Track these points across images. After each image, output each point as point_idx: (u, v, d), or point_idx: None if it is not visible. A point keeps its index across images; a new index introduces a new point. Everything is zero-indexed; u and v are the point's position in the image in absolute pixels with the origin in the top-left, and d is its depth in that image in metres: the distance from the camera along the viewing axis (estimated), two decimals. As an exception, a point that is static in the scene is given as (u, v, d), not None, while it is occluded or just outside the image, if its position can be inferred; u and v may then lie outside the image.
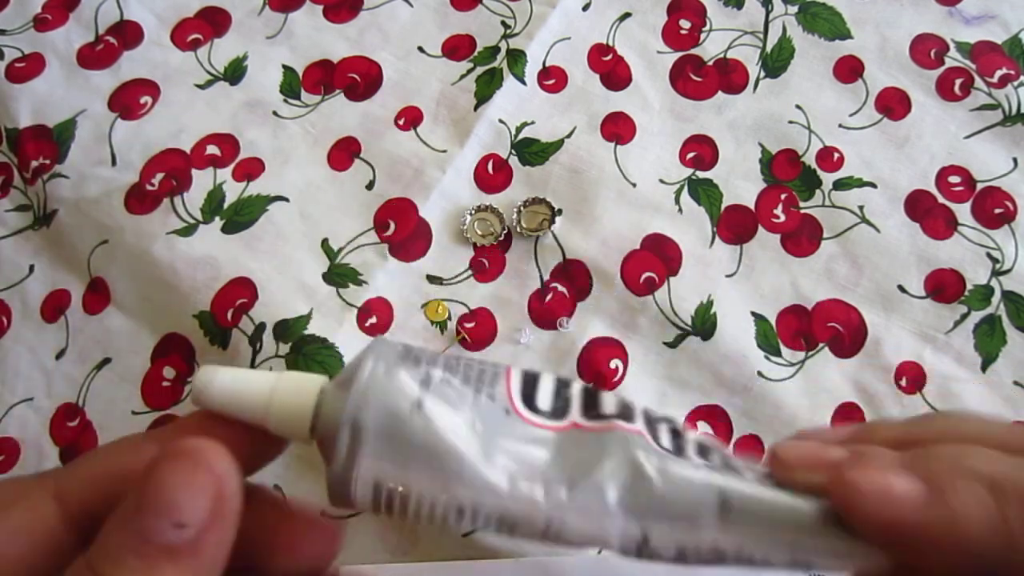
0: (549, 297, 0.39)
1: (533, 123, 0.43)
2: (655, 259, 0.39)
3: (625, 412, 0.20)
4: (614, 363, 0.37)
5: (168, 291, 0.39)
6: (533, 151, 0.42)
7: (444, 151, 0.42)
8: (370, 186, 0.42)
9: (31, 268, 0.41)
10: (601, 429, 0.20)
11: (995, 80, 0.43)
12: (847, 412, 0.37)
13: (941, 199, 0.41)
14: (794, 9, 0.46)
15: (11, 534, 0.19)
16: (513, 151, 0.42)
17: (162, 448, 0.17)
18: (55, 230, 0.41)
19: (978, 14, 0.45)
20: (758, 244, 0.40)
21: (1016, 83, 0.43)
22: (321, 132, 0.43)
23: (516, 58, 0.44)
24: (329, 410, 0.19)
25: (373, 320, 0.39)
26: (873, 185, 0.41)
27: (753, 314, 0.39)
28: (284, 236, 0.40)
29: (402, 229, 0.40)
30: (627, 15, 0.46)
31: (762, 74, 0.44)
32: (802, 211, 0.41)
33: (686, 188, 0.41)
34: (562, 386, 0.21)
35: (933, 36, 0.45)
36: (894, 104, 0.43)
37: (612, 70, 0.44)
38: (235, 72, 0.45)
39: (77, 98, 0.44)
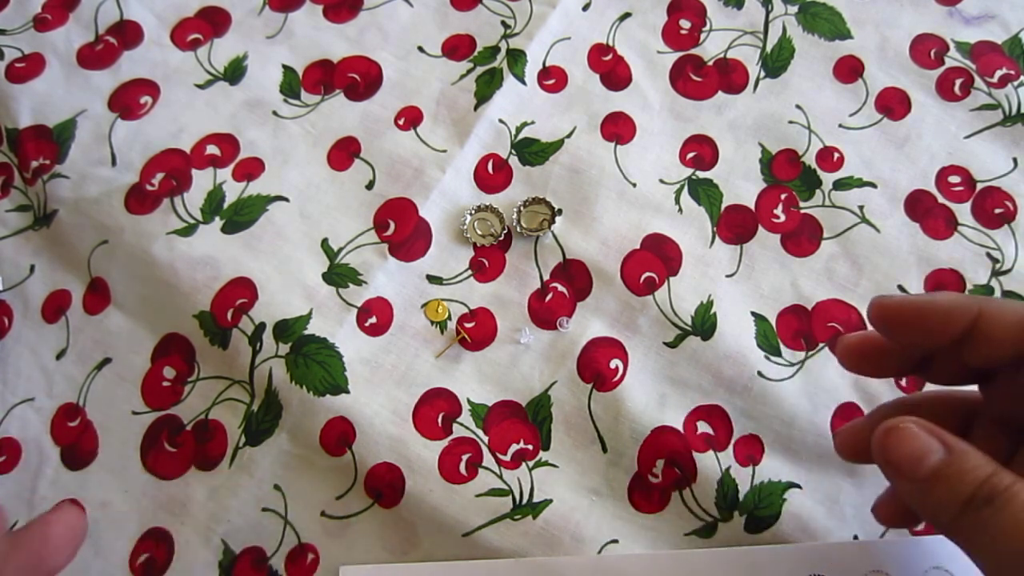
0: (549, 297, 0.39)
1: (533, 123, 0.43)
2: (655, 259, 0.39)
3: None
4: (614, 363, 0.37)
5: (168, 291, 0.39)
6: (533, 151, 0.42)
7: (444, 151, 0.42)
8: (370, 186, 0.42)
9: (32, 268, 0.41)
10: None
11: (995, 80, 0.43)
12: (847, 412, 0.37)
13: (941, 199, 0.41)
14: (794, 9, 0.46)
15: None
16: (513, 151, 0.42)
17: None
18: (55, 230, 0.41)
19: (978, 14, 0.45)
20: (758, 244, 0.40)
21: (1016, 83, 0.43)
22: (321, 132, 0.43)
23: (516, 58, 0.44)
24: None
25: (373, 320, 0.39)
26: (873, 185, 0.41)
27: (753, 314, 0.39)
28: (284, 236, 0.40)
29: (402, 229, 0.40)
30: (627, 15, 0.46)
31: (762, 74, 0.44)
32: (802, 211, 0.41)
33: (686, 188, 0.41)
34: None
35: (933, 36, 0.45)
36: (894, 104, 0.43)
37: (612, 70, 0.44)
38: (235, 72, 0.45)
39: (77, 98, 0.44)
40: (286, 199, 0.41)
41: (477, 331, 0.38)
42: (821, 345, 0.38)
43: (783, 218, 0.41)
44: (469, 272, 0.40)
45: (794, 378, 0.37)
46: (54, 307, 0.40)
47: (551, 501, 0.35)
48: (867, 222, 0.40)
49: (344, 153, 0.43)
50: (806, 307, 0.39)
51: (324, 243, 0.40)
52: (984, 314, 0.26)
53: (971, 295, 0.29)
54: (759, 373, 0.37)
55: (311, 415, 0.36)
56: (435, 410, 0.37)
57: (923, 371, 0.31)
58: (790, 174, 0.42)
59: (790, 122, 0.43)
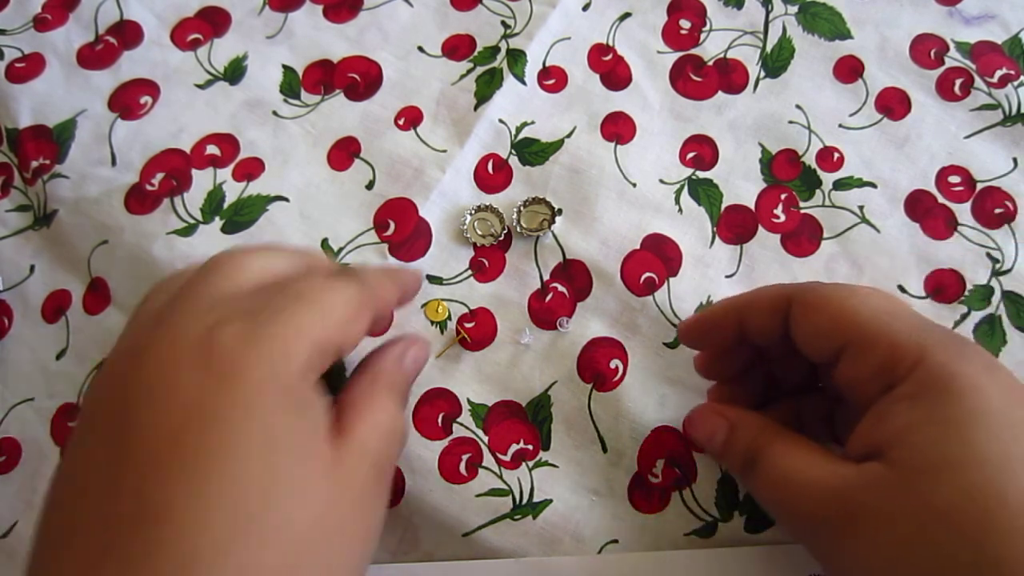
0: (549, 297, 0.39)
1: (533, 123, 0.43)
2: (655, 259, 0.39)
3: None
4: (614, 363, 0.38)
5: (168, 291, 0.39)
6: (533, 151, 0.42)
7: (444, 151, 0.42)
8: (370, 186, 0.42)
9: (32, 268, 0.41)
10: None
11: (995, 80, 0.43)
12: (847, 412, 0.37)
13: (941, 199, 0.41)
14: (794, 9, 0.46)
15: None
16: (513, 151, 0.42)
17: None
18: (55, 230, 0.41)
19: (978, 14, 0.45)
20: (758, 244, 0.40)
21: (1016, 83, 0.43)
22: (321, 132, 0.43)
23: (516, 58, 0.44)
24: None
25: (373, 320, 0.39)
26: (873, 185, 0.41)
27: (753, 314, 0.39)
28: (284, 236, 0.40)
29: (402, 229, 0.40)
30: (627, 15, 0.46)
31: (762, 74, 0.44)
32: (802, 211, 0.41)
33: (686, 188, 0.41)
34: None
35: (933, 36, 0.45)
36: (894, 104, 0.43)
37: (612, 70, 0.44)
38: (235, 72, 0.45)
39: (77, 98, 0.44)
40: (286, 199, 0.41)
41: (477, 331, 0.38)
42: (821, 345, 0.38)
43: (783, 218, 0.41)
44: (469, 272, 0.40)
45: (794, 378, 0.37)
46: (54, 307, 0.40)
47: (551, 501, 0.35)
48: (867, 222, 0.40)
49: (344, 153, 0.43)
50: (806, 307, 0.39)
51: (324, 243, 0.40)
52: (799, 303, 0.28)
53: (786, 287, 0.30)
54: (759, 373, 0.37)
55: (311, 415, 0.36)
56: (435, 410, 0.37)
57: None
58: (790, 174, 0.42)
59: (790, 122, 0.43)
